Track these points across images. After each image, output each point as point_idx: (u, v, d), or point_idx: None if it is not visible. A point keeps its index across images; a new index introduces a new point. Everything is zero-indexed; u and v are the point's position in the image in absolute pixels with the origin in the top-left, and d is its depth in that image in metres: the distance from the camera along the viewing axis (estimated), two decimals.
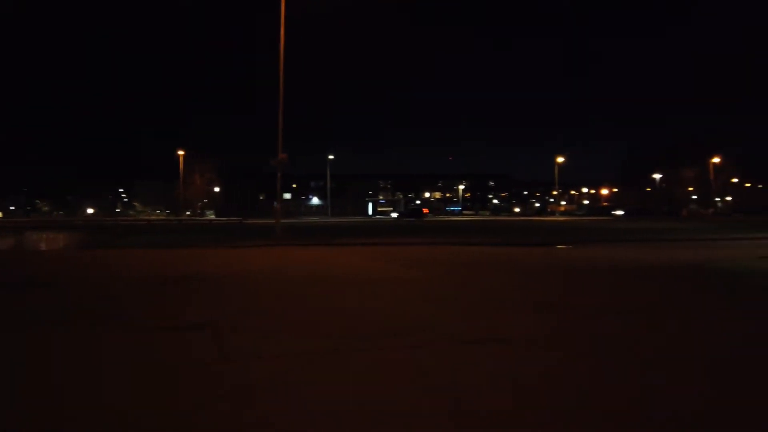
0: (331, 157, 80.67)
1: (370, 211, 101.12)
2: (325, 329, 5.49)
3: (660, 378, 3.91)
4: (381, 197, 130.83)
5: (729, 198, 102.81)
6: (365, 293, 8.00)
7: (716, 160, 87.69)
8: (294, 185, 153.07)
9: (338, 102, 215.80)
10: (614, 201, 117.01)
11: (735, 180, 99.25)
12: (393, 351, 4.62)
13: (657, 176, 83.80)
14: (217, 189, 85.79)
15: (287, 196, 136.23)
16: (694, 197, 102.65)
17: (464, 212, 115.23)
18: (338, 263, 12.73)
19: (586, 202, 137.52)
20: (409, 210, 72.20)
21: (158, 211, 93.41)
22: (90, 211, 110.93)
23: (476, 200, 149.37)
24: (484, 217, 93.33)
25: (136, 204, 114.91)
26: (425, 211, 75.00)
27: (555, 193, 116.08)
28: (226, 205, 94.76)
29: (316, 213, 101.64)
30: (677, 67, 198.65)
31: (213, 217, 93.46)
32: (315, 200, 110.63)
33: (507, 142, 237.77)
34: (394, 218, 65.47)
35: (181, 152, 69.46)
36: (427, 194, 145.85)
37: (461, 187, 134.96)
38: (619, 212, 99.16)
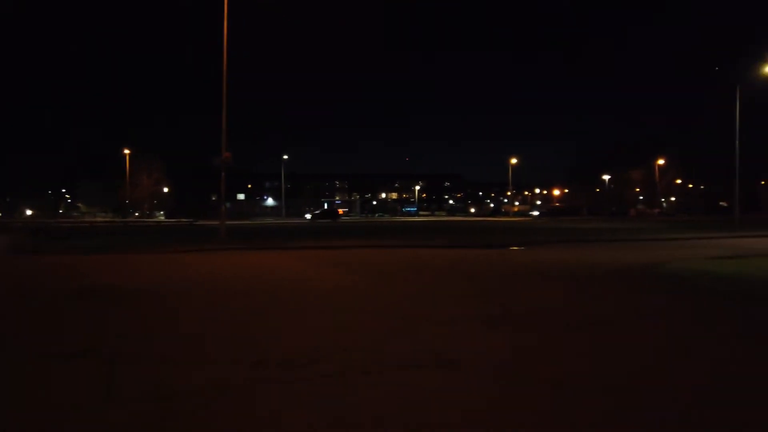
0: (285, 156, 79.02)
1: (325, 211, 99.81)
2: (244, 353, 4.66)
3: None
4: (338, 198, 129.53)
5: (673, 198, 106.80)
6: (299, 307, 7.19)
7: (661, 161, 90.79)
8: (249, 185, 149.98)
9: (296, 101, 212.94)
10: (566, 201, 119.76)
11: (679, 181, 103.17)
12: (306, 382, 3.85)
13: (606, 177, 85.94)
14: (166, 189, 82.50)
15: (241, 196, 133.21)
16: (641, 198, 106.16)
17: (420, 213, 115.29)
18: (277, 270, 11.84)
19: (538, 202, 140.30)
20: (324, 211, 70.65)
21: (104, 213, 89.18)
22: (29, 212, 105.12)
23: (432, 201, 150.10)
24: (440, 217, 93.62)
25: (80, 205, 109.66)
26: (340, 212, 74.20)
27: (509, 193, 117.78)
28: (177, 205, 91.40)
29: (272, 214, 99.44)
30: (627, 69, 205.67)
31: (163, 218, 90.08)
32: (270, 201, 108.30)
33: (464, 144, 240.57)
34: (308, 219, 64.23)
35: (126, 151, 66.37)
36: (383, 194, 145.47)
37: (417, 187, 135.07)
38: (535, 213, 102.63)
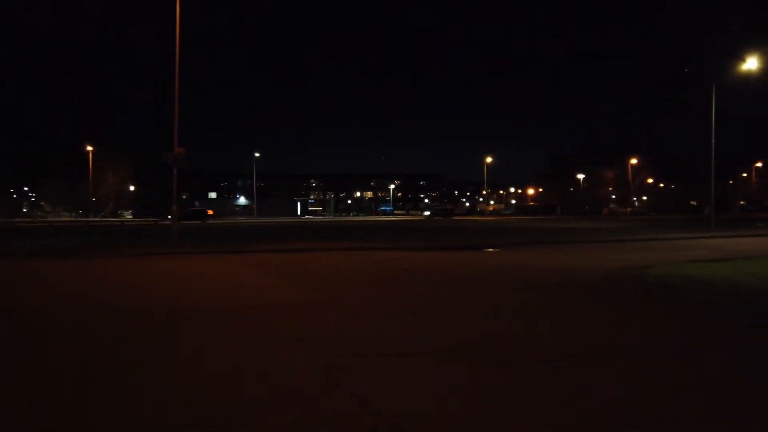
0: (257, 154, 77.10)
1: (299, 211, 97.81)
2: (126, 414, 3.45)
3: None
4: (312, 197, 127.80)
5: (644, 198, 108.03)
6: (221, 339, 5.97)
7: (634, 161, 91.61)
8: (223, 183, 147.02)
9: (272, 100, 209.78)
10: (540, 200, 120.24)
11: (650, 180, 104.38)
12: None
13: (581, 176, 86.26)
14: (132, 188, 79.71)
15: (213, 195, 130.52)
16: (613, 197, 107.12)
17: (395, 212, 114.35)
18: (219, 281, 10.48)
19: (513, 201, 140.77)
20: (190, 212, 62.22)
21: (68, 213, 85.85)
22: None
23: (408, 200, 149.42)
24: (415, 216, 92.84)
25: (43, 204, 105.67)
26: (210, 212, 66.86)
27: (484, 192, 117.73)
28: (145, 205, 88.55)
29: (243, 213, 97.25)
30: (600, 69, 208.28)
31: (130, 217, 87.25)
32: (242, 200, 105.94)
33: (439, 143, 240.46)
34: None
35: (89, 148, 63.64)
36: (358, 193, 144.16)
37: (392, 186, 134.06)
38: (508, 211, 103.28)
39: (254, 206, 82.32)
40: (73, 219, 70.21)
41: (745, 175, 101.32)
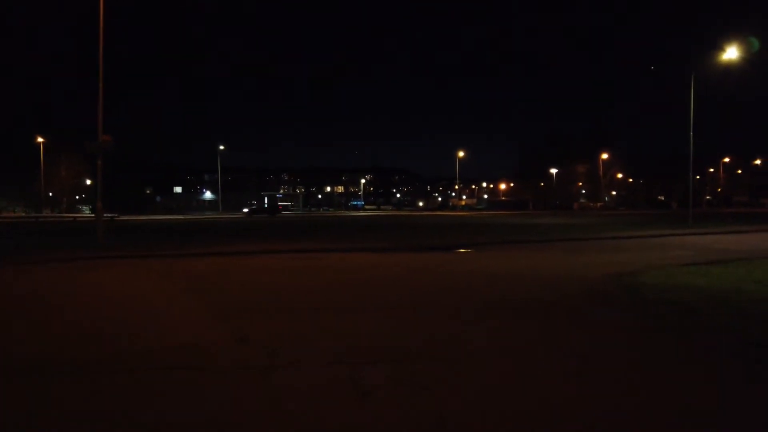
0: (221, 147, 73.94)
1: (266, 206, 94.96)
2: None
3: None
4: (281, 191, 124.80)
5: (614, 193, 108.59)
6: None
7: (605, 156, 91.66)
8: (189, 177, 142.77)
9: (246, 95, 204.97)
10: (512, 195, 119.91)
11: (620, 176, 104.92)
12: None
13: (554, 171, 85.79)
14: (89, 182, 75.81)
15: (178, 189, 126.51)
16: (583, 192, 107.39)
17: (366, 207, 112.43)
18: (107, 302, 8.16)
19: (485, 196, 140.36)
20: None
21: (14, 209, 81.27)
22: None
23: (380, 194, 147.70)
24: (386, 211, 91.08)
25: None
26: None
27: (457, 187, 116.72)
28: (106, 200, 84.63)
29: (210, 208, 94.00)
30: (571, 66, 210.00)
31: (89, 213, 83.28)
32: (208, 194, 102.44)
33: (412, 138, 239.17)
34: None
35: (40, 140, 59.86)
36: (329, 188, 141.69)
37: (363, 181, 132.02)
38: (481, 206, 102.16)
39: (219, 201, 79.19)
40: (22, 215, 66.18)
41: (711, 170, 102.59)
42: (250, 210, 67.42)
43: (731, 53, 24.73)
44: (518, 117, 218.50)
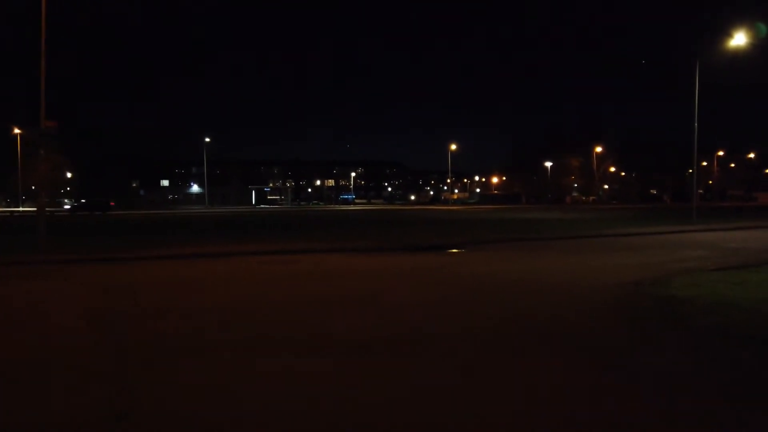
0: (207, 139, 71.69)
1: (254, 200, 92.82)
2: None
3: None
4: (271, 184, 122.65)
5: (606, 186, 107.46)
6: None
7: (599, 149, 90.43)
8: (178, 170, 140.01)
9: (236, 87, 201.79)
10: (504, 189, 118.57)
11: (612, 169, 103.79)
12: None
13: (548, 164, 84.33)
14: (69, 175, 73.42)
15: (165, 182, 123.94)
16: (575, 185, 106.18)
17: (356, 200, 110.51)
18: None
19: (478, 190, 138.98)
20: (87, 203, 54.75)
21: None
22: None
23: (371, 188, 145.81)
24: (377, 206, 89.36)
25: None
26: (112, 203, 59.24)
27: (449, 181, 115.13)
28: (90, 193, 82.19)
29: (197, 202, 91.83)
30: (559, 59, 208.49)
31: (70, 207, 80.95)
32: (195, 188, 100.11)
33: (405, 132, 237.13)
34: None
35: (17, 131, 57.41)
36: (318, 182, 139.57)
37: (353, 174, 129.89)
38: (473, 200, 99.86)
39: (206, 195, 77.15)
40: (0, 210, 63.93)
41: (705, 164, 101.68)
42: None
43: (739, 39, 23.27)
44: (511, 110, 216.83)
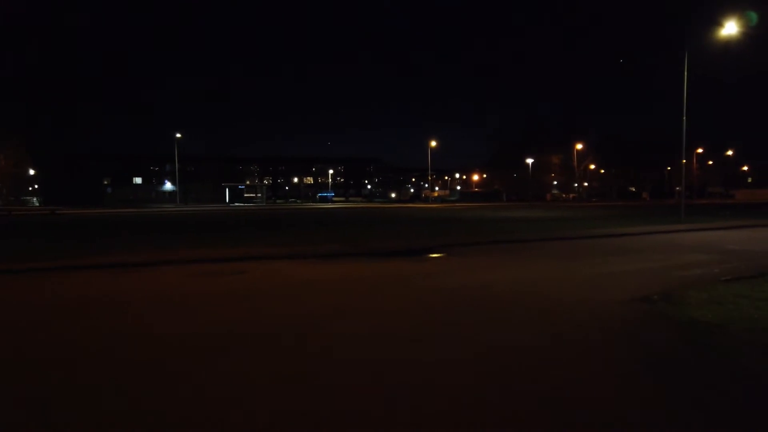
0: (178, 135, 68.98)
1: (227, 198, 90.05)
2: None
3: None
4: (248, 182, 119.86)
5: (586, 184, 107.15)
6: None
7: (579, 146, 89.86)
8: (152, 168, 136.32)
9: (217, 84, 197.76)
10: (485, 186, 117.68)
11: (592, 166, 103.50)
12: None
13: (530, 161, 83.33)
14: (32, 172, 70.23)
15: (138, 180, 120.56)
16: (555, 183, 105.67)
17: (333, 198, 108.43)
18: None
19: (458, 187, 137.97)
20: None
21: None
22: None
23: (351, 186, 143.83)
24: (355, 203, 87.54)
25: None
26: None
27: (430, 178, 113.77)
28: (60, 191, 78.89)
29: (170, 200, 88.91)
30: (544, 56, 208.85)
31: (37, 204, 77.71)
32: (168, 185, 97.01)
33: (386, 129, 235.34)
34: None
35: None
36: (295, 179, 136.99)
37: (331, 171, 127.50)
38: (453, 198, 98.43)
39: (177, 192, 74.47)
40: None
41: (684, 161, 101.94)
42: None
43: (730, 28, 22.12)
44: (493, 107, 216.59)
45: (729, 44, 22.47)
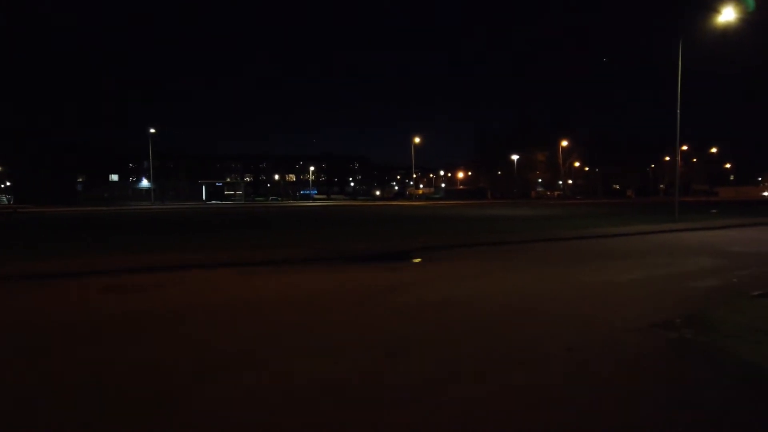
0: (152, 130, 66.39)
1: (204, 196, 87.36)
2: None
3: None
4: (228, 179, 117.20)
5: (570, 181, 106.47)
6: None
7: (564, 143, 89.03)
8: (131, 165, 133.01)
9: (201, 81, 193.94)
10: (469, 184, 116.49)
11: (577, 164, 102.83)
12: None
13: (515, 157, 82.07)
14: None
15: (115, 177, 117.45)
16: (539, 180, 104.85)
17: (314, 196, 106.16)
18: None
19: (443, 185, 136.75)
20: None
21: None
22: None
23: (335, 183, 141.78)
24: (337, 201, 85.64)
25: None
26: None
27: (414, 176, 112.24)
28: (32, 188, 75.70)
29: (147, 197, 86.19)
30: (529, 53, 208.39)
31: (6, 203, 74.73)
32: (144, 183, 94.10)
33: (370, 126, 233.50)
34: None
35: None
36: (276, 176, 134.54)
37: (312, 168, 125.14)
38: (437, 195, 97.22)
39: (152, 190, 71.99)
40: None
41: (668, 159, 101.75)
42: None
43: (728, 14, 20.85)
44: (479, 105, 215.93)
45: (719, 40, 21.23)
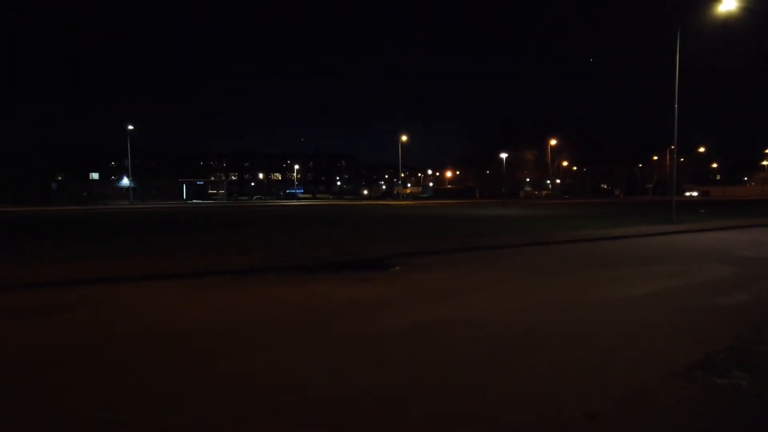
0: (130, 127, 64.12)
1: (185, 195, 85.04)
2: None
3: None
4: (213, 177, 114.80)
5: (558, 181, 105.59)
6: None
7: (553, 142, 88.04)
8: (113, 163, 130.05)
9: (189, 78, 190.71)
10: (458, 183, 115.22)
11: (565, 164, 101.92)
12: None
13: (504, 155, 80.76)
14: None
15: (95, 175, 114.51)
16: (527, 180, 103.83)
17: (300, 195, 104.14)
18: None
19: (431, 184, 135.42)
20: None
21: None
22: None
23: (322, 182, 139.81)
24: (321, 201, 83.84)
25: None
26: None
27: (402, 175, 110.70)
28: (3, 187, 73.05)
29: (128, 196, 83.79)
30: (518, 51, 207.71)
31: None
32: (125, 181, 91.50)
33: (359, 125, 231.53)
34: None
35: None
36: (261, 175, 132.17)
37: (296, 167, 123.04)
38: (425, 194, 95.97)
39: (131, 189, 69.76)
40: None
41: (656, 158, 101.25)
42: None
43: (728, 4, 19.62)
44: (466, 104, 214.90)
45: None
